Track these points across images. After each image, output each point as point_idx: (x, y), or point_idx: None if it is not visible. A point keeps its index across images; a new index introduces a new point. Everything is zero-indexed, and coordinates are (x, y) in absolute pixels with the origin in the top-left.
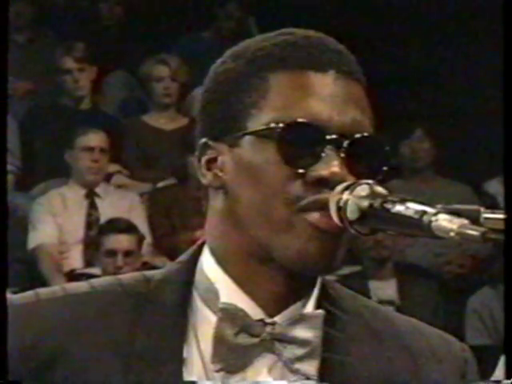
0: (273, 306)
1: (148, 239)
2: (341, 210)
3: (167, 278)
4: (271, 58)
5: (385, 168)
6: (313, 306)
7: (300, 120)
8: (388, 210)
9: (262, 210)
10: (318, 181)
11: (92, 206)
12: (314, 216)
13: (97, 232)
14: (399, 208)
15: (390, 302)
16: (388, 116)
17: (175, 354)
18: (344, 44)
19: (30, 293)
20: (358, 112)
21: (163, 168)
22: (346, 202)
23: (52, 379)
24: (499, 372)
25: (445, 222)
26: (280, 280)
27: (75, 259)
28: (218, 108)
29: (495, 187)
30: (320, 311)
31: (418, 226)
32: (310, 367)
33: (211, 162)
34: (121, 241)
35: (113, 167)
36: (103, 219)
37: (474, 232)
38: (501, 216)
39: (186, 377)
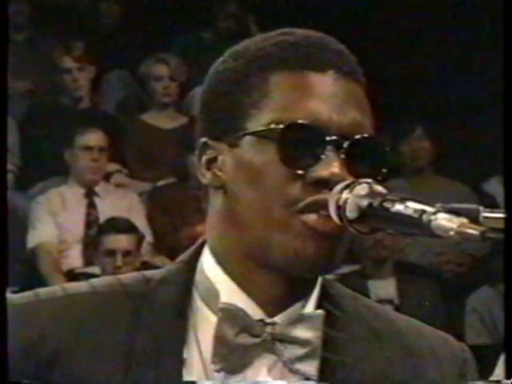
0: (273, 306)
1: (148, 239)
2: (340, 209)
3: (167, 277)
4: (271, 57)
5: (385, 170)
6: (313, 306)
7: (300, 121)
8: (387, 209)
9: (260, 211)
10: (317, 182)
11: (91, 206)
12: (312, 218)
13: (96, 231)
14: (399, 207)
15: (389, 301)
16: (388, 116)
17: (175, 354)
18: (344, 44)
19: (29, 293)
20: (358, 112)
21: (163, 167)
22: (345, 201)
23: (52, 379)
24: (499, 371)
25: (444, 221)
26: (280, 280)
27: (74, 258)
28: (217, 108)
29: (494, 186)
30: (320, 311)
31: (417, 225)
32: (310, 367)
33: (211, 161)
34: (120, 240)
35: (112, 166)
36: (102, 218)
37: (473, 231)
38: (500, 215)
39: (186, 377)
